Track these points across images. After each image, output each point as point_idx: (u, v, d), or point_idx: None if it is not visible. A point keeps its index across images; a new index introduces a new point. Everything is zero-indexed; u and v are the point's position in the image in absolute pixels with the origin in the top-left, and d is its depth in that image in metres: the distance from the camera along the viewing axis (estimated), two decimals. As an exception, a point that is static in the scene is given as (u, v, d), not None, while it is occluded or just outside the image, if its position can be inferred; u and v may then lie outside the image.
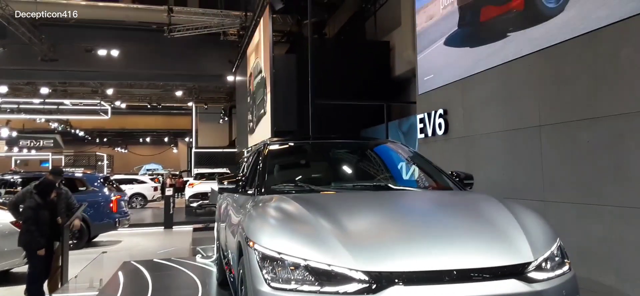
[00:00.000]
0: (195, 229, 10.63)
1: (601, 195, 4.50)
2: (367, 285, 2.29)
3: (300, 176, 4.13)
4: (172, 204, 13.63)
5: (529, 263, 2.42)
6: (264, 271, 2.46)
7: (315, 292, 2.32)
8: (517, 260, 2.42)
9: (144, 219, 15.16)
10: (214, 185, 16.94)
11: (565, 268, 2.56)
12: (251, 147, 4.73)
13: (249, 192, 3.67)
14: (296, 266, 2.40)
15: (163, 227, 13.10)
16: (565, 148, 5.03)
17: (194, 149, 28.65)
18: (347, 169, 4.28)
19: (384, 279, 2.29)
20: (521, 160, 5.76)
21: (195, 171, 24.12)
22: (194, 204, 16.71)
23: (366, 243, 2.47)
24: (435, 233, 2.58)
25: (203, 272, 6.24)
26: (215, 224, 6.29)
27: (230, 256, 4.11)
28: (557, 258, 2.55)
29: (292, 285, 2.37)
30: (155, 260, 7.30)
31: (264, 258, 2.50)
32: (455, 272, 2.32)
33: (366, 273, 2.31)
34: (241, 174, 4.10)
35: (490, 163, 6.43)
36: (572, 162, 4.92)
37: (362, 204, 3.11)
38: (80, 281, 6.34)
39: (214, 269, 6.30)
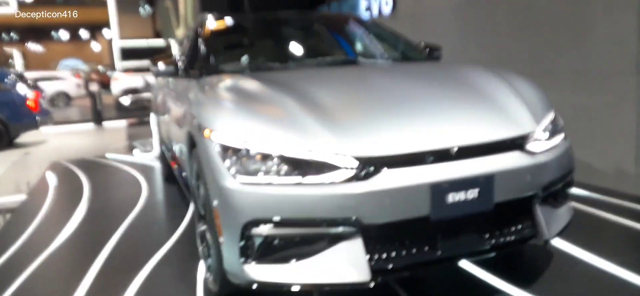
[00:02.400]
0: (129, 124, 9.88)
1: (556, 63, 4.36)
2: (356, 172, 1.95)
3: (251, 54, 3.59)
4: (99, 100, 12.58)
5: (530, 134, 2.19)
6: (227, 163, 2.06)
7: (294, 184, 1.95)
8: (518, 131, 2.17)
9: (71, 117, 13.99)
10: (145, 78, 15.81)
11: (562, 136, 2.34)
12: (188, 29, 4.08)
13: (192, 74, 3.12)
14: (267, 156, 2.00)
15: (93, 124, 12.14)
16: (520, 19, 4.78)
17: (116, 43, 26.35)
18: (305, 46, 3.76)
19: (375, 163, 1.97)
20: (474, 35, 5.49)
21: (120, 65, 22.34)
22: (124, 100, 15.58)
23: (350, 124, 2.11)
24: (427, 108, 2.26)
25: (144, 168, 5.74)
26: (152, 116, 5.69)
27: (177, 149, 3.64)
28: (554, 128, 2.32)
29: (265, 178, 1.97)
30: (87, 158, 6.65)
31: (225, 149, 2.08)
32: (454, 149, 2.03)
33: (355, 157, 1.96)
34: (180, 55, 3.49)
35: (441, 41, 6.13)
36: (526, 33, 4.70)
37: (334, 80, 2.70)
38: (3, 184, 5.66)
39: (156, 164, 5.81)
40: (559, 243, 2.79)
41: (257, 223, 1.99)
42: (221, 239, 2.14)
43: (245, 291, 2.38)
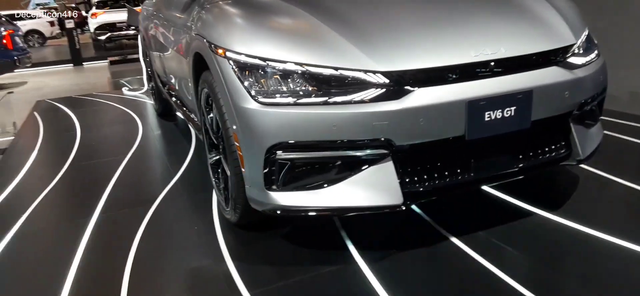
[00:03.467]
0: (111, 62, 9.50)
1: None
2: (387, 89, 1.80)
3: None
4: (77, 38, 12.02)
5: (570, 47, 2.07)
6: (246, 84, 1.89)
7: (320, 104, 1.80)
8: (558, 44, 2.05)
9: (48, 58, 13.41)
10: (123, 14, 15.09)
11: (597, 52, 2.22)
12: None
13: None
14: (290, 73, 1.84)
15: (72, 64, 11.66)
16: None
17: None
18: None
19: (407, 79, 1.82)
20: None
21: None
22: (102, 38, 14.91)
23: (380, 38, 1.94)
24: (463, 21, 2.10)
25: (136, 104, 5.51)
26: (141, 52, 5.41)
27: (176, 81, 3.43)
28: (589, 44, 2.19)
29: (289, 99, 1.82)
30: (75, 96, 6.37)
31: (243, 67, 1.91)
32: (492, 63, 1.90)
33: (385, 73, 1.81)
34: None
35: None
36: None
37: None
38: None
39: (148, 100, 5.58)
40: (582, 165, 2.73)
41: (281, 146, 1.86)
42: (242, 164, 2.01)
43: (265, 219, 2.31)
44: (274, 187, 1.93)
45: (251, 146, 1.92)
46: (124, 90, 6.48)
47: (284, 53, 1.88)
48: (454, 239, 2.11)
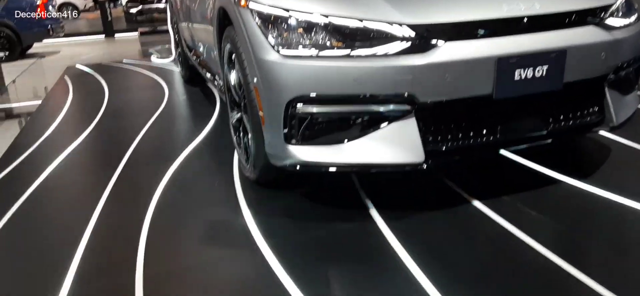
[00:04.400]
0: (142, 33, 9.61)
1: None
2: (413, 42, 1.74)
3: None
4: (109, 11, 12.22)
5: (608, 7, 1.98)
6: (268, 35, 1.86)
7: (343, 57, 1.76)
8: (596, 3, 1.96)
9: (80, 29, 13.67)
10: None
11: (637, 16, 2.10)
12: None
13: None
14: (313, 25, 1.80)
15: (103, 36, 11.85)
16: None
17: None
18: None
19: (434, 32, 1.75)
20: None
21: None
22: (133, 11, 15.10)
23: (405, -13, 1.86)
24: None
25: (163, 72, 5.56)
26: (169, 21, 5.44)
27: (202, 46, 3.44)
28: (629, 5, 2.08)
29: (311, 50, 1.78)
30: (104, 63, 6.47)
31: (266, 18, 1.88)
32: (526, 19, 1.83)
33: (411, 26, 1.75)
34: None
35: None
36: None
37: None
38: (20, 89, 5.56)
39: (175, 68, 5.63)
40: (613, 136, 2.62)
41: (302, 100, 1.83)
42: (262, 119, 1.99)
43: (284, 177, 2.30)
44: (294, 142, 1.90)
45: (271, 100, 1.90)
46: (153, 58, 6.54)
47: (307, 4, 1.84)
48: (477, 203, 2.05)
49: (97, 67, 6.16)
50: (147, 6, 15.07)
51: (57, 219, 2.27)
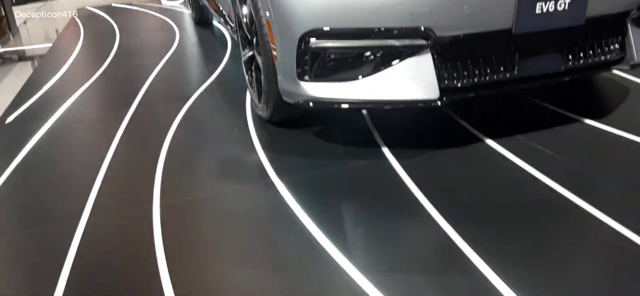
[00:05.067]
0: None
1: None
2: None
3: None
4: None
5: None
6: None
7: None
8: None
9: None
10: None
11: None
12: None
13: None
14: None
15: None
16: None
17: None
18: None
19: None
20: None
21: None
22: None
23: None
24: None
25: (173, 13, 5.49)
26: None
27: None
28: None
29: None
30: (114, 4, 6.40)
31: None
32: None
33: None
34: None
35: None
36: None
37: None
38: (32, 31, 5.54)
39: (185, 10, 5.55)
40: (634, 78, 2.56)
41: (316, 33, 1.80)
42: (275, 56, 1.97)
43: (297, 116, 2.30)
44: (307, 77, 1.89)
45: (284, 34, 1.87)
46: (163, 0, 6.44)
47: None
48: (490, 142, 2.04)
49: (108, 8, 6.09)
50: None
51: (73, 156, 2.31)
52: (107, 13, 5.77)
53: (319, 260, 1.44)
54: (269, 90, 2.14)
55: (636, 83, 2.53)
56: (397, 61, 1.81)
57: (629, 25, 1.96)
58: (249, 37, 2.40)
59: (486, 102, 2.39)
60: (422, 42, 1.77)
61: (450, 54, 1.83)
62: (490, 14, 1.75)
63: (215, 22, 4.68)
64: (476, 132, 2.12)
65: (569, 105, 2.29)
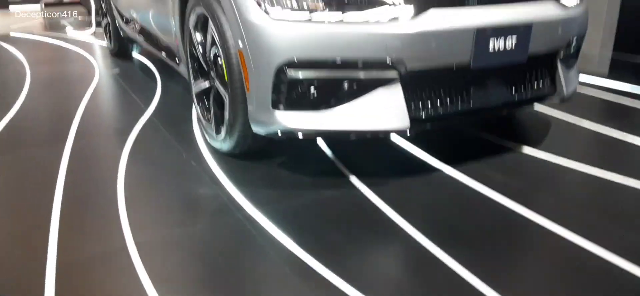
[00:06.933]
0: (46, 5, 8.74)
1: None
2: (402, 10, 1.81)
3: None
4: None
5: (563, -17, 2.16)
6: (256, -1, 1.82)
7: (336, 22, 1.78)
8: (554, -20, 2.12)
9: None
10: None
11: (580, -5, 2.35)
12: None
13: None
14: (302, -11, 1.79)
15: (-5, 6, 10.63)
16: None
17: None
18: None
19: (419, 2, 1.83)
20: None
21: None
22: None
23: (392, -42, 1.91)
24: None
25: (84, 45, 5.14)
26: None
27: (147, 14, 3.24)
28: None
29: (303, 14, 1.78)
30: (13, 34, 5.83)
31: (254, -19, 1.83)
32: (499, -8, 1.95)
33: None
34: None
35: None
36: None
37: None
38: None
39: (96, 40, 5.23)
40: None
41: (292, 64, 1.82)
42: (247, 85, 1.95)
43: (258, 147, 2.27)
44: (281, 107, 1.89)
45: (260, 64, 1.87)
46: (68, 30, 6.01)
47: (297, -33, 1.83)
48: (447, 168, 2.18)
49: (6, 38, 5.53)
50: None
51: (19, 197, 2.04)
52: (7, 43, 5.23)
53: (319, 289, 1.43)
54: (234, 121, 2.10)
55: (555, 116, 2.88)
56: (369, 91, 1.89)
57: (558, 63, 2.25)
58: (205, 67, 2.35)
59: (439, 133, 2.56)
60: (394, 74, 1.87)
61: (417, 86, 1.96)
62: (453, 49, 1.91)
63: (135, 54, 4.46)
64: (434, 161, 2.26)
65: (502, 134, 2.55)
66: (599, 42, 3.96)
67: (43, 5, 9.02)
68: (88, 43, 5.26)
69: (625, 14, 4.01)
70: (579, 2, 2.28)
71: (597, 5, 3.87)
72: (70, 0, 9.01)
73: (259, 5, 1.83)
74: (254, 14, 1.83)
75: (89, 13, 7.10)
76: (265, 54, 1.84)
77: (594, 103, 3.19)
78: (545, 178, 2.16)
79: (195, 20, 2.32)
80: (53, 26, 6.82)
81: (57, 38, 5.49)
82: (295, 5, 1.81)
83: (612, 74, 3.76)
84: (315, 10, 1.80)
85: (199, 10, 2.23)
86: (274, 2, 1.82)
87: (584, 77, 3.52)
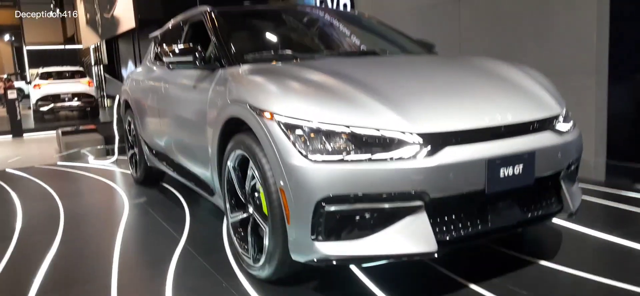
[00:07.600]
0: (64, 133, 9.20)
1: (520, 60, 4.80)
2: (421, 148, 2.08)
3: (275, 44, 3.61)
4: (18, 109, 11.65)
5: (558, 116, 2.48)
6: (297, 144, 2.10)
7: (366, 160, 2.04)
8: (549, 113, 2.46)
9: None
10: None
11: (573, 121, 2.65)
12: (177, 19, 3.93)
13: (208, 67, 3.08)
14: (338, 134, 2.09)
15: (10, 136, 11.16)
16: (484, 20, 5.21)
17: (25, 47, 24.39)
18: (322, 38, 3.84)
19: (438, 139, 2.12)
20: (438, 36, 5.88)
21: (34, 71, 20.69)
22: (44, 109, 14.50)
23: (410, 104, 2.25)
24: (472, 91, 2.48)
25: (109, 173, 5.42)
26: (115, 121, 5.43)
27: (183, 146, 3.53)
28: (567, 113, 2.62)
29: (337, 155, 2.05)
30: (37, 165, 6.14)
31: (292, 127, 2.13)
32: (503, 128, 2.27)
33: (420, 134, 2.10)
34: (187, 45, 3.37)
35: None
36: (490, 33, 5.13)
37: (376, 67, 2.82)
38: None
39: (118, 169, 5.52)
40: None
41: (330, 200, 2.06)
42: (288, 218, 2.16)
43: (295, 273, 2.43)
44: (320, 238, 2.10)
45: (300, 200, 2.10)
46: (90, 159, 6.34)
47: (332, 115, 2.13)
48: (473, 286, 2.35)
49: (32, 170, 5.84)
50: (60, 104, 14.58)
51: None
52: (33, 175, 5.52)
53: None
54: (274, 250, 2.29)
55: (565, 227, 3.08)
56: (398, 219, 2.11)
57: (562, 183, 2.50)
58: (242, 200, 2.59)
59: (463, 253, 2.74)
60: (419, 202, 2.10)
61: (441, 211, 2.18)
62: (469, 179, 2.16)
63: (162, 182, 4.73)
64: (459, 278, 2.42)
65: (525, 249, 2.73)
66: (593, 150, 4.27)
67: (60, 133, 9.50)
68: (110, 171, 5.56)
69: (615, 122, 4.34)
70: (572, 126, 2.59)
71: (586, 116, 4.21)
72: (86, 127, 9.53)
73: (299, 150, 2.10)
74: (296, 158, 2.10)
75: (105, 141, 7.53)
76: (306, 191, 2.08)
77: (598, 211, 3.41)
78: (565, 291, 2.31)
79: (235, 160, 2.59)
80: (71, 156, 7.17)
81: (81, 168, 5.80)
82: (329, 147, 2.09)
83: (609, 181, 4.03)
84: (348, 151, 2.08)
85: (239, 152, 2.51)
86: (311, 146, 2.09)
87: (582, 185, 3.77)
